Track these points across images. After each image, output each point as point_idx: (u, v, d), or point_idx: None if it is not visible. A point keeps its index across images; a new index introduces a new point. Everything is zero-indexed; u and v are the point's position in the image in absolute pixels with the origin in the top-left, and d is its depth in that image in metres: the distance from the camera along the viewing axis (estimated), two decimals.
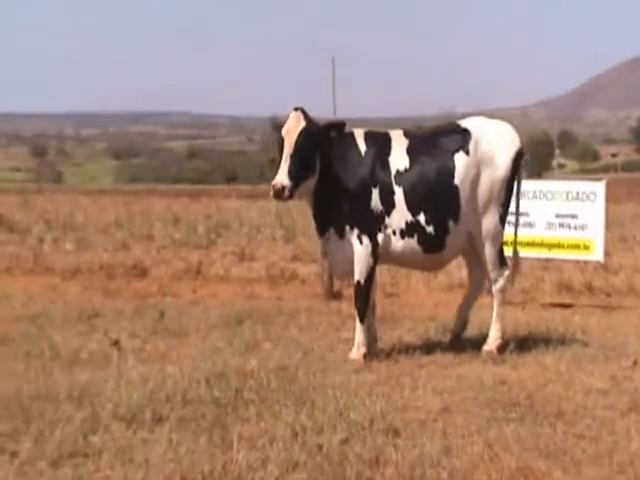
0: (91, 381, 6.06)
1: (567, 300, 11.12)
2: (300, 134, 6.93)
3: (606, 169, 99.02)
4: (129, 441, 4.88)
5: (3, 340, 7.57)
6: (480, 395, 5.98)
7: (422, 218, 7.20)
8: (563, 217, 10.60)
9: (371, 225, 7.14)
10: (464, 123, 7.49)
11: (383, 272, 12.38)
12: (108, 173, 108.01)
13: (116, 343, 7.30)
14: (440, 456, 4.75)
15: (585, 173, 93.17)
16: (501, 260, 7.63)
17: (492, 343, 7.53)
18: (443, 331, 8.24)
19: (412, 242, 7.23)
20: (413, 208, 7.19)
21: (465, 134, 7.35)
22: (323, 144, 7.07)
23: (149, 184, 50.75)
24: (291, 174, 6.81)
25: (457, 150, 7.28)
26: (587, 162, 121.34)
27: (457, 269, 12.32)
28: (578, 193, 10.60)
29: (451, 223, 7.27)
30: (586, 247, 10.56)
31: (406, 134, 7.42)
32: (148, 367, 6.56)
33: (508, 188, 7.48)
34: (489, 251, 7.50)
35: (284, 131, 6.98)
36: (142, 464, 4.55)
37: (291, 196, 6.84)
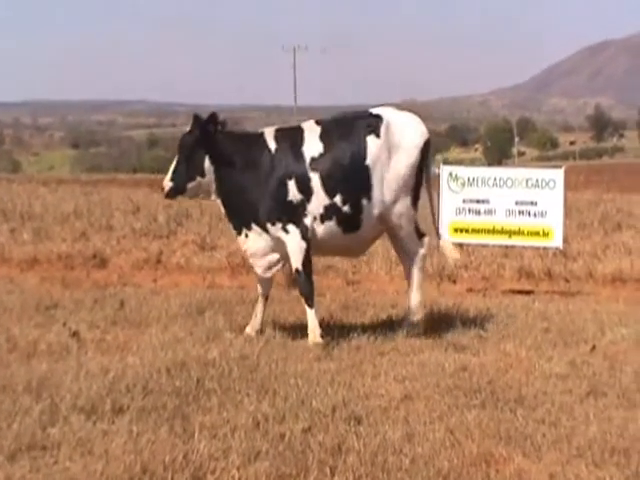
0: (50, 373, 5.97)
1: (527, 286, 11.26)
2: (180, 140, 7.68)
3: (565, 157, 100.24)
4: (89, 433, 4.83)
5: None
6: (441, 382, 6.02)
7: (338, 199, 7.49)
8: (523, 204, 10.71)
9: (293, 213, 7.42)
10: (375, 110, 7.87)
11: (344, 260, 12.40)
12: (66, 162, 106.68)
13: (75, 334, 7.21)
14: (402, 443, 4.78)
15: (544, 160, 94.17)
16: (417, 233, 7.93)
17: (416, 313, 7.75)
18: (405, 318, 8.27)
19: (332, 224, 7.52)
20: (329, 191, 7.48)
21: (376, 119, 7.71)
22: (206, 144, 7.54)
23: (108, 173, 50.23)
24: (172, 177, 7.59)
25: (369, 132, 7.62)
26: (546, 150, 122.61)
27: None
28: (537, 180, 10.71)
29: (365, 202, 7.57)
30: (545, 234, 10.69)
31: (318, 122, 7.78)
32: (108, 358, 6.49)
33: (417, 174, 7.80)
34: (405, 230, 7.84)
35: None
36: (102, 455, 4.51)
37: (174, 195, 7.72)
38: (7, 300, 8.97)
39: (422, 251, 7.90)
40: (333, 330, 7.64)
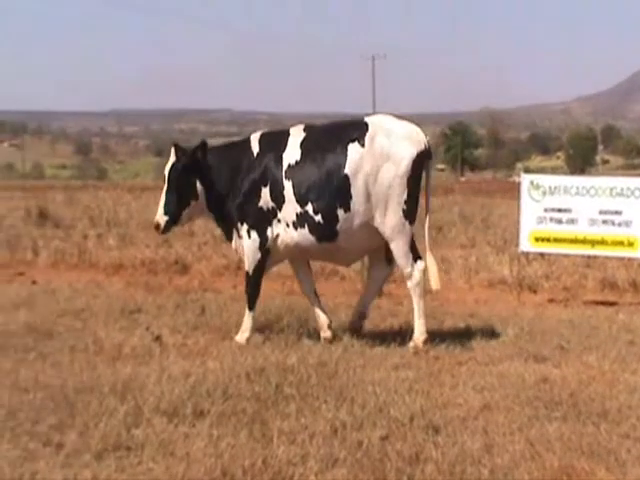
0: (134, 375, 6.11)
1: (611, 298, 10.98)
2: (170, 170, 7.71)
3: None
4: (171, 435, 4.93)
5: (49, 334, 7.68)
6: (521, 393, 5.93)
7: (310, 208, 7.44)
8: (607, 213, 10.46)
9: (260, 221, 7.55)
10: (367, 118, 7.69)
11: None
12: (150, 169, 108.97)
13: (158, 338, 7.37)
14: (481, 454, 4.73)
15: (630, 169, 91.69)
16: (413, 254, 7.60)
17: (417, 338, 7.54)
18: (484, 328, 8.20)
19: (304, 232, 7.49)
20: (301, 200, 7.46)
21: (363, 127, 7.52)
22: (196, 168, 7.68)
23: None
24: (166, 210, 7.70)
25: (352, 141, 7.44)
26: (632, 157, 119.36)
27: (498, 266, 12.25)
28: (622, 189, 10.45)
29: (340, 212, 7.41)
30: (630, 244, 10.41)
31: (305, 128, 7.74)
32: (189, 362, 6.61)
33: (411, 185, 7.46)
34: (397, 246, 7.51)
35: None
36: (183, 458, 4.59)
37: (170, 228, 7.81)
38: (94, 304, 9.23)
39: (416, 277, 7.52)
40: (410, 339, 7.61)
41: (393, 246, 7.50)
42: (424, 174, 7.61)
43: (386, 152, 7.39)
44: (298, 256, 7.84)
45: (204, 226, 17.90)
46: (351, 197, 7.38)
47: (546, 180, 10.93)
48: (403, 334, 7.80)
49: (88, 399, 5.51)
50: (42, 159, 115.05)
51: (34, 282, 11.20)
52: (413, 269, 7.53)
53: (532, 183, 10.80)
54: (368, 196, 7.39)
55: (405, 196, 7.42)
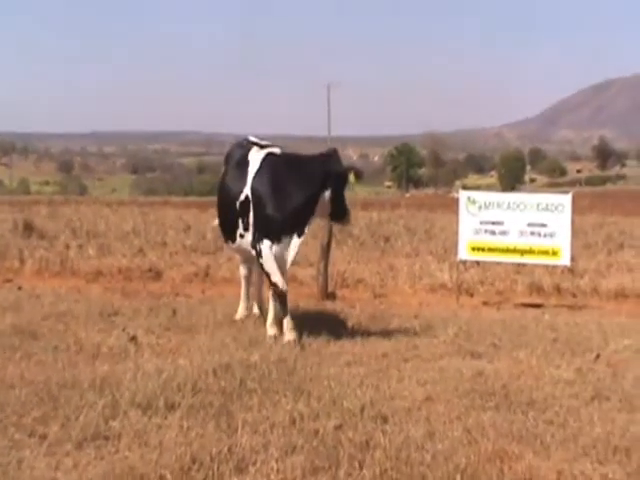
0: (111, 372, 6.03)
1: (538, 300, 11.16)
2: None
3: (572, 183, 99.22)
4: (145, 426, 4.87)
5: (34, 335, 7.54)
6: (460, 386, 5.98)
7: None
8: (534, 226, 10.64)
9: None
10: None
11: (373, 275, 12.39)
12: (126, 186, 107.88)
13: (133, 338, 7.28)
14: (424, 440, 4.75)
15: (554, 187, 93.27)
16: None
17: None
18: (427, 328, 8.25)
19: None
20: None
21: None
22: None
23: (163, 196, 50.72)
24: None
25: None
26: (555, 177, 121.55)
27: (440, 272, 12.35)
28: (547, 205, 10.64)
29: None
30: (554, 253, 10.60)
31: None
32: (162, 360, 6.54)
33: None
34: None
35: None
36: (157, 447, 4.54)
37: None
38: (75, 308, 9.08)
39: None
40: (362, 338, 7.64)
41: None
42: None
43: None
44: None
45: (175, 237, 17.79)
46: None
47: (481, 196, 11.09)
48: (354, 334, 7.82)
49: (69, 394, 5.42)
50: (28, 176, 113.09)
51: (20, 288, 10.99)
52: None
53: (469, 199, 10.94)
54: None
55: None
